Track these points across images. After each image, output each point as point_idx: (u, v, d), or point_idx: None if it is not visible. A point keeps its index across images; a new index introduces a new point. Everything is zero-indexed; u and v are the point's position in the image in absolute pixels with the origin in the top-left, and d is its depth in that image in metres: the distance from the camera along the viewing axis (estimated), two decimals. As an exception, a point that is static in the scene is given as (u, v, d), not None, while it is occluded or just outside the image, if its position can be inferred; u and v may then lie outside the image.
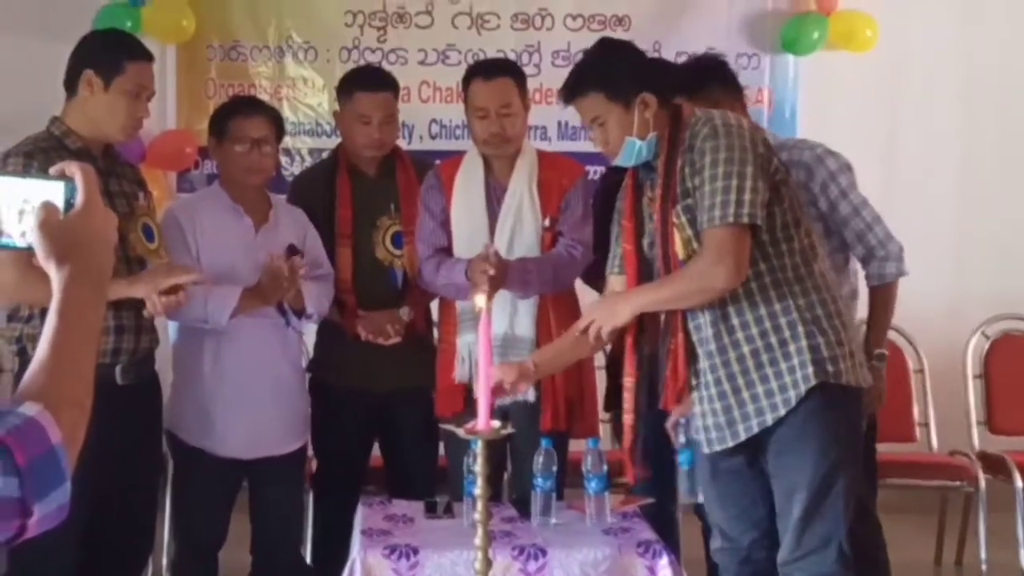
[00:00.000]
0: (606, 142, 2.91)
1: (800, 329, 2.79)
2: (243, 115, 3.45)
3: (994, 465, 4.48)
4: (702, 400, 2.91)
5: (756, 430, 2.84)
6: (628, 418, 3.02)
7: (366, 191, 3.72)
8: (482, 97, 3.50)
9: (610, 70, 2.90)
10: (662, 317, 3.03)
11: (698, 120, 2.84)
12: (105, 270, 1.35)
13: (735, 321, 2.84)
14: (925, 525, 4.75)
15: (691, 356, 2.92)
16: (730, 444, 2.89)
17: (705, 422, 2.93)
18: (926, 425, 4.72)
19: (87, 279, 1.32)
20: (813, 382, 2.76)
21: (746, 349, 2.83)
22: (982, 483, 4.38)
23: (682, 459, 3.18)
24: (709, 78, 3.47)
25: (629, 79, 2.87)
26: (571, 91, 2.93)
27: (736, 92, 3.50)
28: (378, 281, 3.70)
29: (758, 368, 2.82)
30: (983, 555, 4.35)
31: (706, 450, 2.96)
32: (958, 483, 4.48)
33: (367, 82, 3.71)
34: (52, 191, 1.35)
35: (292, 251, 3.46)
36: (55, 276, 1.31)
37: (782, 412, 2.81)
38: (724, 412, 2.87)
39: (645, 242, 2.98)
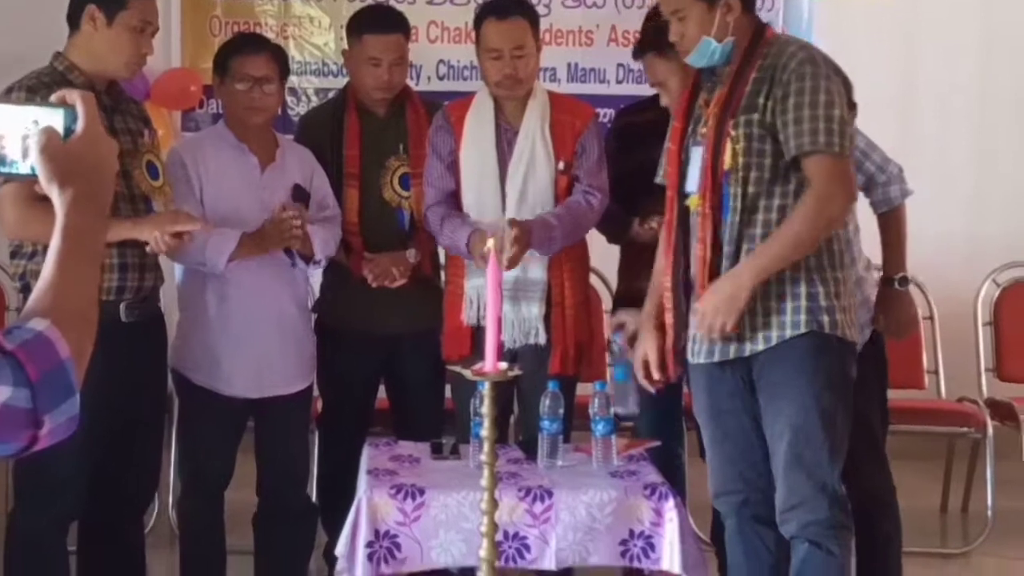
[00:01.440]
0: (681, 36, 2.91)
1: (802, 275, 2.83)
2: (246, 53, 3.40)
3: (1002, 412, 4.47)
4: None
5: (744, 354, 2.86)
6: (669, 316, 2.99)
7: (375, 131, 3.68)
8: (495, 38, 3.45)
9: None
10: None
11: (789, 42, 2.88)
12: (106, 193, 1.39)
13: (745, 247, 2.85)
14: (932, 471, 4.75)
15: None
16: (716, 359, 2.90)
17: (697, 332, 2.92)
18: (935, 372, 4.70)
19: (89, 202, 1.35)
20: (803, 329, 2.81)
21: None
22: (990, 430, 4.37)
23: (617, 374, 3.25)
24: None
25: None
26: None
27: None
28: (385, 222, 3.66)
29: (762, 298, 2.83)
30: (989, 502, 4.35)
31: (690, 359, 2.97)
32: (966, 430, 4.47)
33: (377, 23, 3.65)
34: (53, 118, 1.36)
35: (298, 193, 3.43)
36: (57, 199, 1.34)
37: (760, 347, 2.84)
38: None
39: (689, 143, 2.96)
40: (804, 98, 2.77)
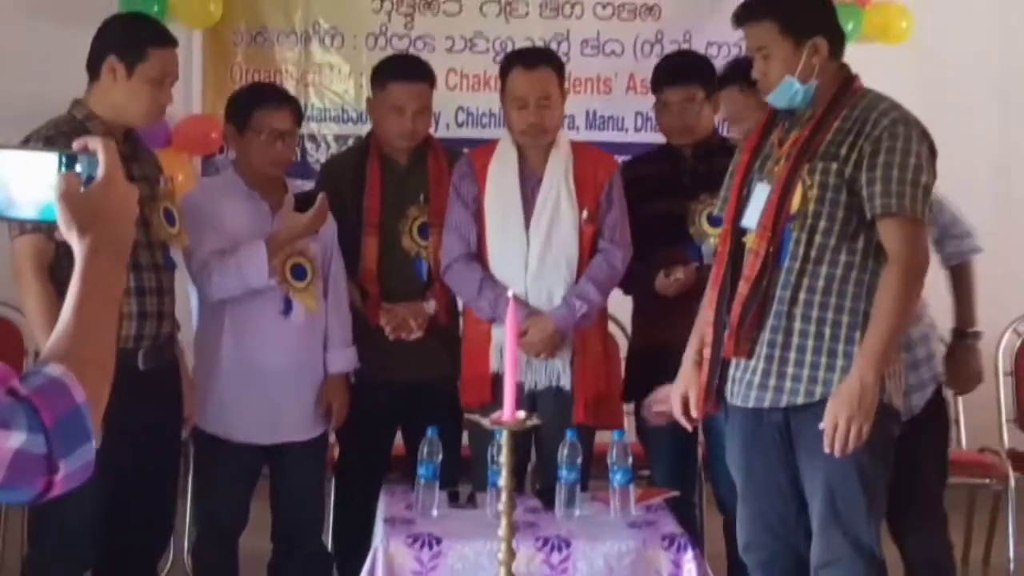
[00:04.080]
0: (764, 75, 2.86)
1: (858, 335, 2.76)
2: (270, 107, 3.42)
3: (1024, 463, 4.43)
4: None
5: (782, 404, 2.81)
6: (707, 351, 2.93)
7: (396, 180, 3.68)
8: (522, 87, 3.46)
9: (792, 3, 2.85)
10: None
11: (881, 98, 2.82)
12: (126, 240, 1.40)
13: (803, 296, 2.79)
14: (953, 523, 4.66)
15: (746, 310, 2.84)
16: (751, 404, 2.84)
17: (737, 374, 2.88)
18: (956, 422, 4.65)
19: (108, 249, 1.36)
20: None
21: (810, 327, 2.79)
22: (1011, 481, 4.32)
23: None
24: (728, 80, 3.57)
25: (808, 18, 2.84)
26: (746, 14, 2.88)
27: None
28: (403, 272, 3.67)
29: (814, 349, 2.78)
30: (1012, 554, 4.29)
31: (729, 399, 2.91)
32: (987, 480, 4.42)
33: (402, 72, 3.67)
34: (49, 162, 1.38)
35: (301, 204, 3.42)
36: (77, 246, 1.35)
37: (801, 400, 2.78)
38: (763, 374, 2.83)
39: (754, 178, 2.91)
40: (895, 158, 2.72)
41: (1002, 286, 5.25)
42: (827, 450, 2.71)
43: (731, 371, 2.90)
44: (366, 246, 3.64)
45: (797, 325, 2.79)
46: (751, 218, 2.87)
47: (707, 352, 2.93)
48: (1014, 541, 4.31)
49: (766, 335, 2.82)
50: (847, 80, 2.86)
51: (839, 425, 2.69)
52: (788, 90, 2.82)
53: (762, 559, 2.98)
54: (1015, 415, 4.69)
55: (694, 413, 2.98)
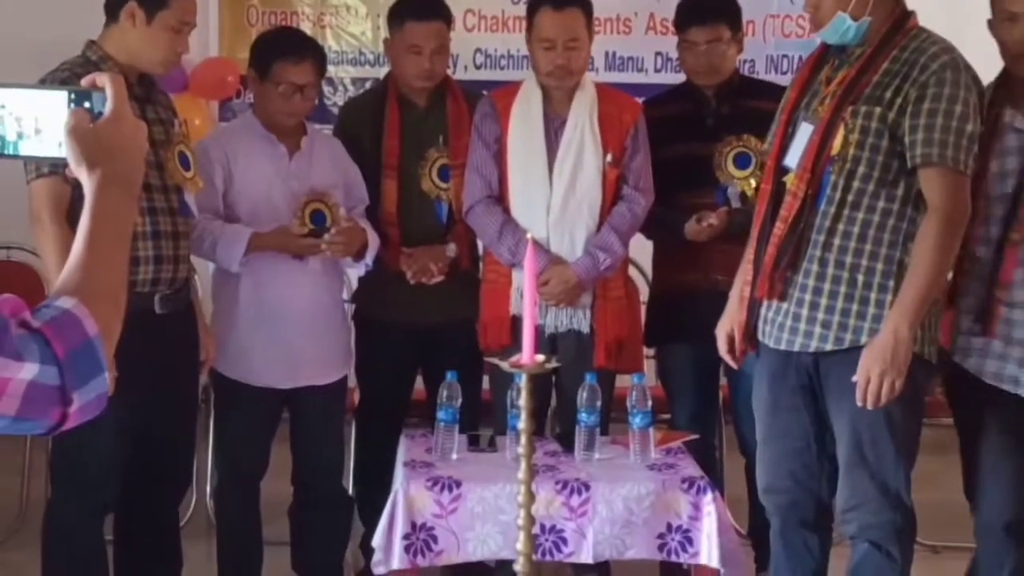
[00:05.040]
0: (816, 8, 2.77)
1: (891, 283, 2.71)
2: (290, 60, 3.36)
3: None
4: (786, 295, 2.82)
5: (811, 348, 2.78)
6: (747, 289, 2.89)
7: (415, 122, 3.66)
8: (550, 28, 3.41)
9: None
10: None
11: (933, 40, 2.73)
12: (135, 176, 1.40)
13: (837, 242, 2.74)
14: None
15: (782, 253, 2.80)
16: (782, 347, 2.82)
17: (770, 314, 2.85)
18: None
19: (118, 183, 1.36)
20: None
21: (843, 273, 2.74)
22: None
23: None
24: None
25: None
26: None
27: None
28: (423, 214, 3.65)
29: (846, 296, 2.73)
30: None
31: (761, 338, 2.88)
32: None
33: (418, 11, 3.61)
34: (59, 99, 1.39)
35: (317, 220, 3.39)
36: (87, 181, 1.36)
37: (830, 347, 2.75)
38: (794, 317, 2.80)
39: (800, 116, 2.84)
40: (940, 105, 2.63)
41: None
42: (859, 403, 2.68)
43: (763, 311, 2.87)
44: (385, 188, 3.62)
45: (830, 270, 2.75)
46: (793, 158, 2.81)
47: (746, 291, 2.90)
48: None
49: (799, 278, 2.78)
50: (901, 17, 2.76)
51: (872, 379, 2.66)
52: (840, 26, 2.74)
53: (781, 503, 2.97)
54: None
55: (738, 350, 2.95)
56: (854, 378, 2.69)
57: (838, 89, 2.74)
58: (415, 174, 3.63)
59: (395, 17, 3.68)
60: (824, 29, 2.77)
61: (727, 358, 3.00)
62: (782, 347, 2.83)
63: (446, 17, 3.66)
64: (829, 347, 2.76)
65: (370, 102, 3.78)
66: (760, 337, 2.90)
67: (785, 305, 2.81)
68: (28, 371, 1.19)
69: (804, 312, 2.78)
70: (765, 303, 2.85)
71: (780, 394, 2.89)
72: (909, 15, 2.79)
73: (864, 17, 2.72)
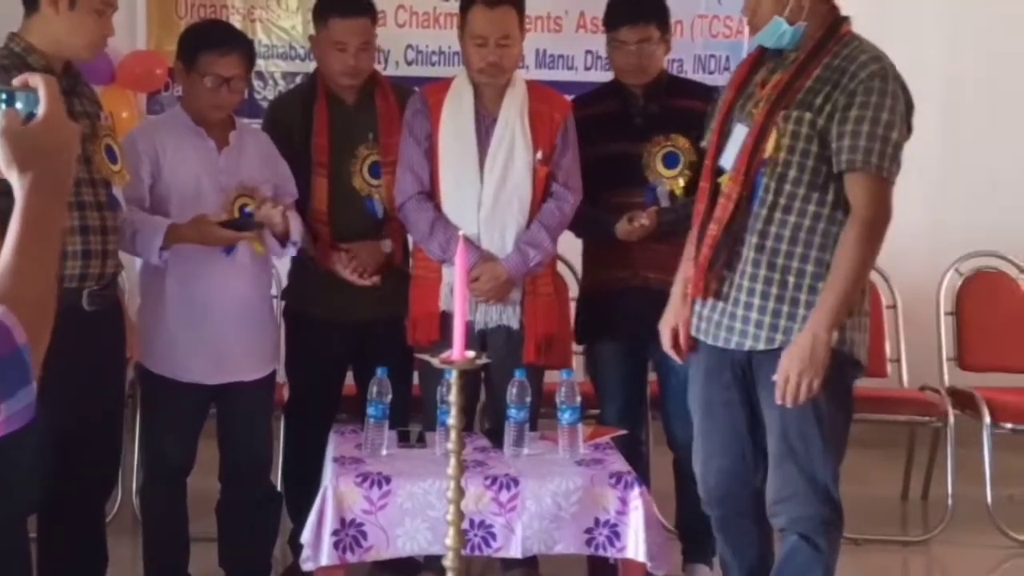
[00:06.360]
0: (754, 12, 2.83)
1: (821, 285, 2.75)
2: (217, 52, 3.34)
3: (963, 401, 4.51)
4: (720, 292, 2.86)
5: (745, 347, 2.83)
6: (690, 287, 2.92)
7: (344, 119, 3.65)
8: (482, 25, 3.42)
9: None
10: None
11: (863, 48, 2.77)
12: (67, 178, 1.38)
13: (769, 244, 2.78)
14: (893, 459, 4.79)
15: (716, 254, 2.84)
16: (716, 343, 2.86)
17: (705, 311, 2.89)
18: (897, 360, 4.74)
19: (49, 186, 1.34)
20: None
21: (775, 275, 2.79)
22: (951, 418, 4.41)
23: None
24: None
25: None
26: None
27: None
28: (354, 212, 3.64)
29: (777, 297, 2.78)
30: (950, 490, 4.38)
31: (694, 333, 2.92)
32: (927, 418, 4.50)
33: (343, 7, 3.60)
34: (14, 102, 1.36)
35: (235, 226, 3.35)
36: (16, 183, 1.33)
37: (762, 346, 2.80)
38: (729, 316, 2.84)
39: (734, 117, 2.88)
40: (867, 112, 2.69)
41: (944, 227, 5.36)
42: (779, 402, 2.74)
43: (700, 308, 2.91)
44: (316, 187, 3.60)
45: (763, 271, 2.79)
46: (728, 159, 2.86)
47: (690, 288, 2.94)
48: (953, 478, 4.39)
49: (735, 278, 2.83)
50: (835, 23, 2.82)
51: (791, 379, 2.72)
52: (776, 30, 2.79)
53: (719, 495, 3.01)
54: (955, 353, 4.78)
55: (683, 346, 2.98)
56: (774, 377, 2.75)
57: (772, 93, 2.79)
58: (346, 172, 3.62)
59: (320, 14, 3.66)
60: (761, 33, 2.83)
61: (672, 353, 3.03)
62: (719, 344, 2.88)
63: (371, 13, 3.65)
64: (762, 347, 2.81)
65: (298, 100, 3.75)
66: (695, 334, 2.94)
67: (721, 304, 2.86)
68: None
69: (739, 311, 2.83)
70: (700, 301, 2.90)
71: (715, 390, 2.94)
72: (843, 21, 2.84)
73: (800, 22, 2.78)
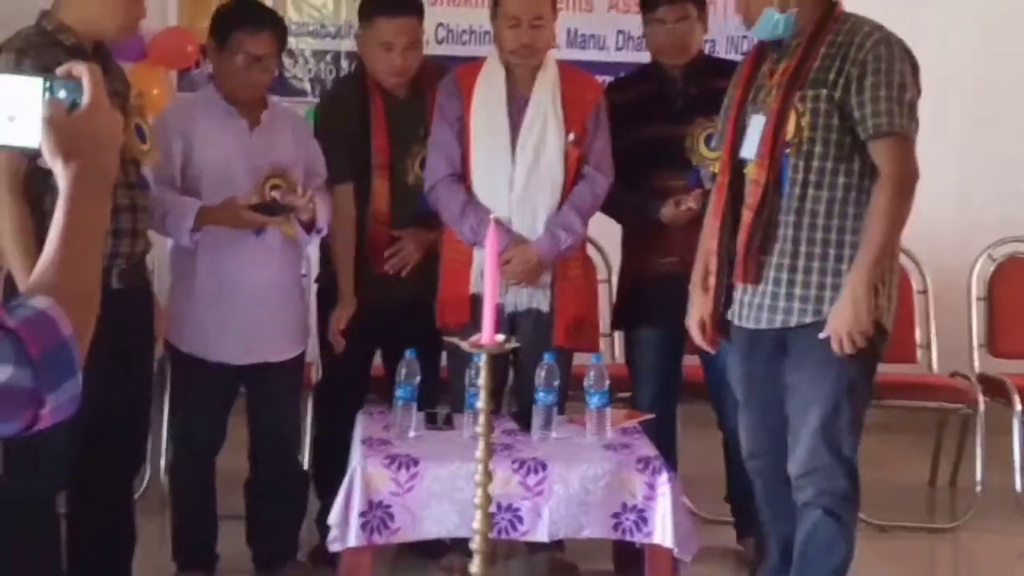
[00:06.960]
0: (747, 10, 2.94)
1: (847, 254, 2.87)
2: (248, 31, 3.33)
3: (993, 388, 4.47)
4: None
5: (780, 324, 2.91)
6: (712, 280, 3.03)
7: (398, 117, 3.61)
8: (516, 5, 3.40)
9: None
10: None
11: (862, 22, 2.90)
12: (111, 169, 1.37)
13: (807, 220, 2.88)
14: (921, 446, 4.77)
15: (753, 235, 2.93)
16: (755, 326, 2.95)
17: (745, 298, 2.97)
18: (927, 346, 4.70)
19: (93, 177, 1.33)
20: None
21: (815, 249, 2.88)
22: (981, 406, 4.37)
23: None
24: None
25: None
26: None
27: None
28: (411, 207, 3.62)
29: (820, 270, 2.88)
30: (979, 477, 4.35)
31: (734, 321, 3.01)
32: (957, 405, 4.47)
33: (390, 6, 3.54)
34: (34, 87, 1.34)
35: (265, 210, 3.35)
36: (61, 173, 1.32)
37: (796, 321, 2.89)
38: (771, 297, 2.92)
39: (748, 110, 2.98)
40: (880, 78, 2.81)
41: (977, 212, 5.30)
42: (835, 350, 2.83)
43: (737, 295, 2.99)
44: (376, 189, 3.58)
45: (803, 248, 2.89)
46: (749, 149, 2.94)
47: (712, 281, 3.02)
48: (982, 466, 4.36)
49: (773, 259, 2.92)
50: (829, 5, 2.92)
51: (842, 338, 2.82)
52: (769, 20, 2.89)
53: (763, 466, 3.08)
54: (986, 340, 4.74)
55: (710, 336, 3.09)
56: (822, 335, 2.84)
57: (782, 79, 2.89)
58: (401, 169, 3.62)
59: (366, 13, 3.63)
60: (756, 26, 2.93)
61: (704, 345, 3.13)
62: (760, 326, 2.96)
63: (418, 11, 3.61)
64: (808, 320, 2.89)
65: (351, 96, 3.69)
66: (733, 320, 3.02)
67: (760, 286, 2.94)
68: (2, 373, 1.17)
69: (781, 291, 2.91)
70: (740, 287, 2.97)
71: (756, 365, 3.02)
72: (835, 3, 2.94)
73: (790, 9, 2.87)
